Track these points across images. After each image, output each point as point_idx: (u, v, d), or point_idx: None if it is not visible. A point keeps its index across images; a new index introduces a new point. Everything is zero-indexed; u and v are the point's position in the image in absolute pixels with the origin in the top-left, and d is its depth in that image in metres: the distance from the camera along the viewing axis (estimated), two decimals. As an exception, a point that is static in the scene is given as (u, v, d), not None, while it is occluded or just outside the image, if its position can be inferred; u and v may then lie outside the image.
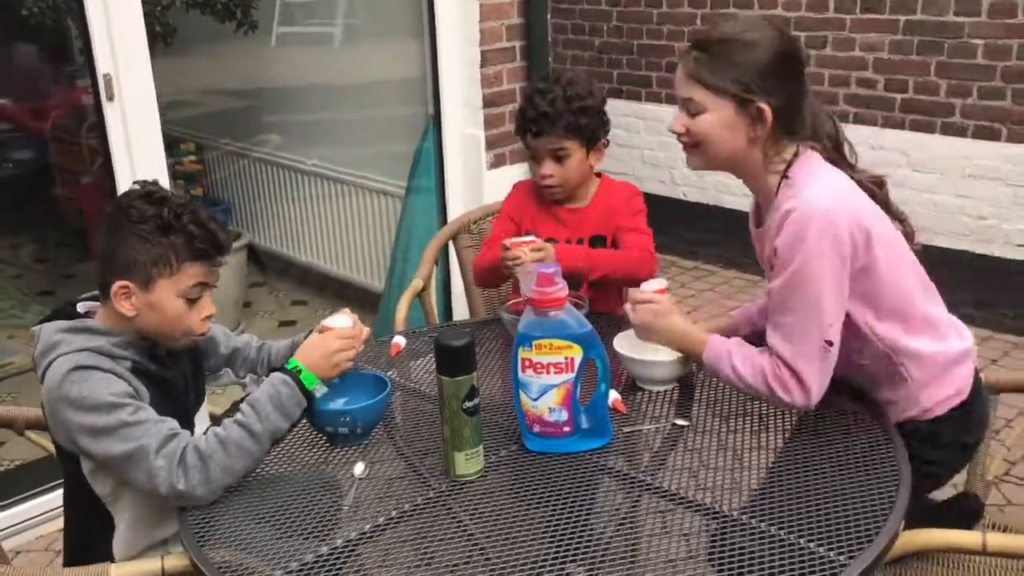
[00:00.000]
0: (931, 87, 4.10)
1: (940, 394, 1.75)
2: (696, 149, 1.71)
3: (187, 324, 1.70)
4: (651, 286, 1.89)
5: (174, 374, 1.78)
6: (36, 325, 1.71)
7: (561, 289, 1.58)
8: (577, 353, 1.58)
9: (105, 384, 1.59)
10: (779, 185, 1.67)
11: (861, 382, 1.77)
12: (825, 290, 1.60)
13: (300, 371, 1.67)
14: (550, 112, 2.19)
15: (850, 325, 1.68)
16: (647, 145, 5.15)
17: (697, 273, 4.90)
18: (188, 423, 1.81)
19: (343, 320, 1.77)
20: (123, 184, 2.87)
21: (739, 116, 1.64)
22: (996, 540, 1.49)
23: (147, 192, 1.69)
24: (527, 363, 1.60)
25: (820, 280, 1.59)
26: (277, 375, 1.67)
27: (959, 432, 1.78)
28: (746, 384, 1.69)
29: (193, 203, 1.72)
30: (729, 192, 4.87)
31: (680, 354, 1.83)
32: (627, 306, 1.86)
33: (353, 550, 1.43)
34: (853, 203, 1.63)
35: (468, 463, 1.58)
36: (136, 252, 1.64)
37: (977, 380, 1.80)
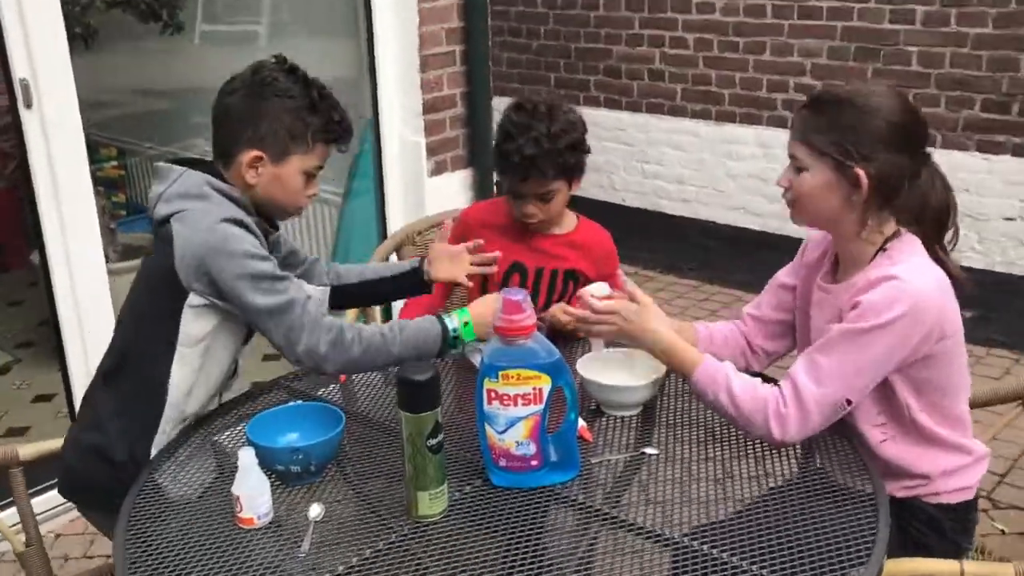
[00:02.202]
0: (868, 94, 4.14)
1: (954, 484, 1.73)
2: (796, 205, 1.70)
3: (299, 199, 1.79)
4: (596, 290, 1.85)
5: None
6: (172, 163, 1.77)
7: (528, 317, 1.49)
8: (546, 383, 1.50)
9: (256, 242, 1.69)
10: (875, 255, 1.65)
11: (886, 457, 1.71)
12: (878, 360, 1.58)
13: (467, 323, 1.78)
14: (537, 156, 2.02)
15: (892, 401, 1.67)
16: (585, 149, 5.11)
17: (637, 279, 4.87)
18: None
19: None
20: (43, 195, 2.69)
21: (837, 179, 1.61)
22: (973, 568, 1.47)
23: (290, 68, 1.76)
24: (493, 395, 1.51)
25: (880, 351, 1.57)
26: (432, 320, 1.78)
27: (960, 529, 1.75)
28: (740, 411, 1.63)
29: (327, 87, 1.78)
30: (668, 197, 4.87)
31: (651, 378, 1.77)
32: (588, 299, 1.79)
33: (312, 604, 1.33)
34: (943, 303, 1.62)
35: (432, 503, 1.49)
36: (278, 124, 1.71)
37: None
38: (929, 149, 1.66)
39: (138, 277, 1.82)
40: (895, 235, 1.66)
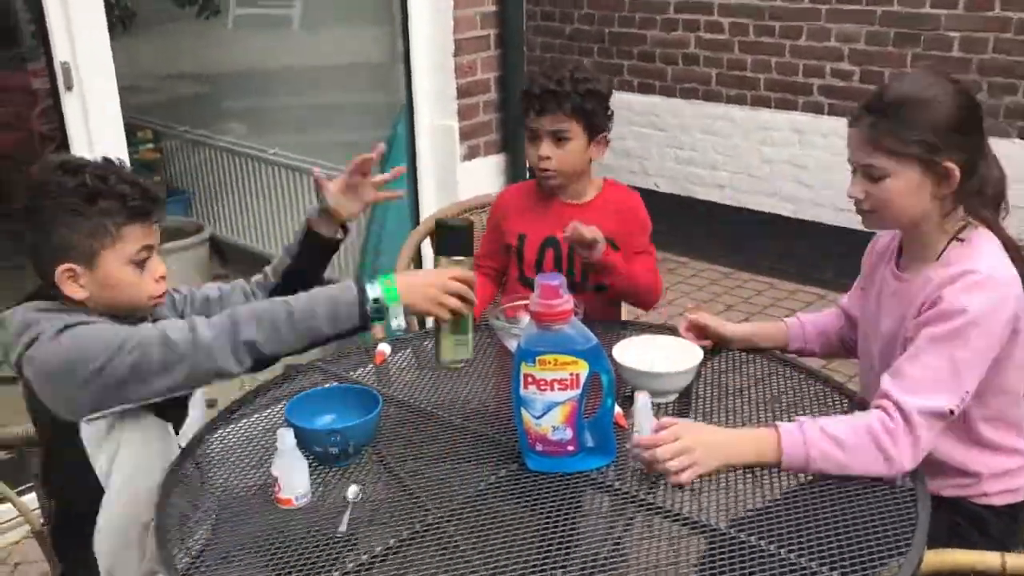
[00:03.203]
0: (907, 79, 4.08)
1: (1002, 485, 1.70)
2: (876, 214, 1.65)
3: (144, 290, 1.60)
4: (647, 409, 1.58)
5: None
6: (5, 311, 1.60)
7: (566, 302, 1.49)
8: (583, 369, 1.50)
9: (99, 328, 1.53)
10: (948, 243, 1.62)
11: (939, 455, 1.65)
12: (975, 358, 1.53)
13: (389, 281, 1.55)
14: (557, 90, 2.12)
15: None
16: (618, 135, 5.06)
17: (669, 264, 4.85)
18: (180, 402, 1.72)
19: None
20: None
21: (925, 177, 1.58)
22: (1015, 561, 1.45)
23: (61, 163, 1.56)
24: (530, 379, 1.51)
25: (976, 346, 1.52)
26: (348, 283, 1.56)
27: (1006, 531, 1.72)
28: (845, 445, 1.49)
29: (113, 162, 1.60)
30: (701, 183, 4.84)
31: (688, 365, 1.76)
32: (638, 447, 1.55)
33: (350, 584, 1.34)
34: (1020, 294, 1.58)
35: (457, 349, 1.55)
36: (69, 230, 1.52)
37: None
38: None
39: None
40: (966, 225, 1.62)
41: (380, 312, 1.55)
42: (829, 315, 2.00)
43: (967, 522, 1.68)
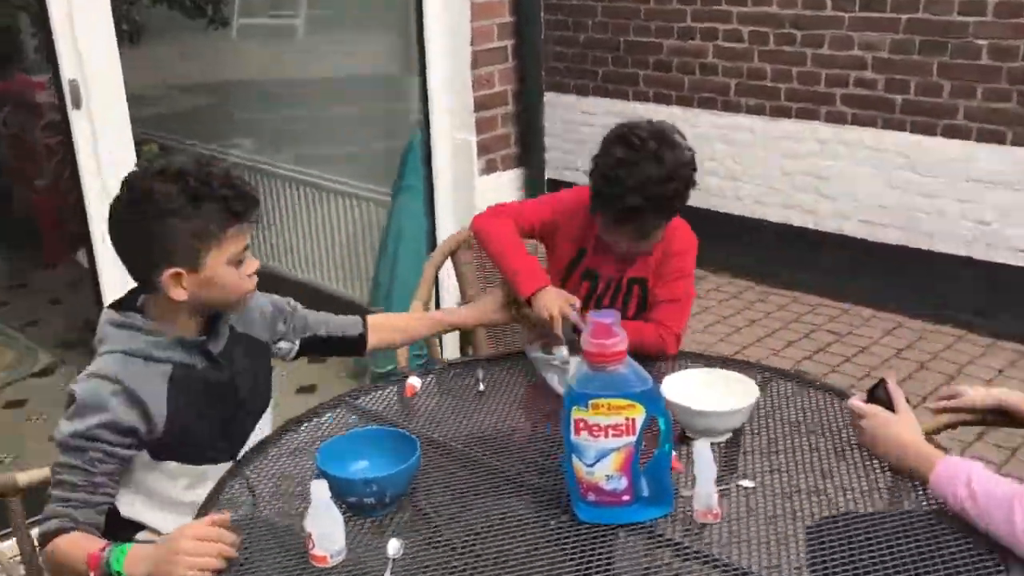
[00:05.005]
0: (933, 88, 3.97)
1: None
2: None
3: (241, 287, 1.65)
4: None
5: (225, 375, 1.70)
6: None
7: (621, 341, 1.39)
8: (639, 413, 1.40)
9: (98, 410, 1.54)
10: None
11: None
12: None
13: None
14: (642, 207, 1.87)
15: None
16: (634, 145, 4.98)
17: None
18: (240, 426, 1.75)
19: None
20: (91, 194, 2.62)
21: None
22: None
23: (160, 170, 1.57)
24: (581, 424, 1.41)
25: None
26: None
27: None
28: (976, 502, 1.39)
29: (210, 163, 1.60)
30: (720, 195, 4.73)
31: (745, 402, 1.66)
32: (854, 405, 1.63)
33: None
34: None
35: None
36: (175, 233, 1.55)
37: None
38: None
39: None
40: None
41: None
42: None
43: None
